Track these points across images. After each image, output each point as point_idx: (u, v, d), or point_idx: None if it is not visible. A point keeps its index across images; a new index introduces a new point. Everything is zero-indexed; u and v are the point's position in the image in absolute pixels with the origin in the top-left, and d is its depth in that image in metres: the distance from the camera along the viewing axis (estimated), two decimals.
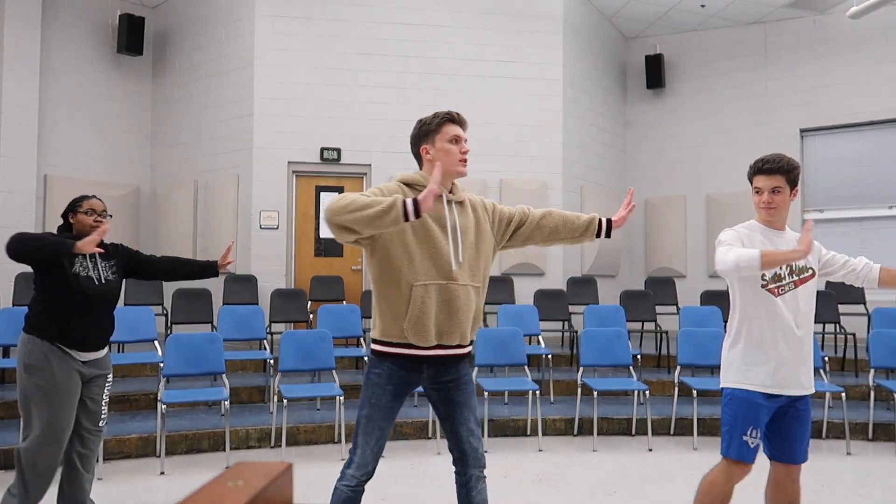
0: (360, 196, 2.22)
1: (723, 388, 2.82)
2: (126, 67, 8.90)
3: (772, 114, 9.32)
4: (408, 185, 2.49)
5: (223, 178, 8.14)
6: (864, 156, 8.92)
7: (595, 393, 5.35)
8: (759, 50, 9.43)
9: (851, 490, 4.33)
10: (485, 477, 2.53)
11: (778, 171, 2.71)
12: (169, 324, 6.84)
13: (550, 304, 7.45)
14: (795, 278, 2.72)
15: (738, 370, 2.76)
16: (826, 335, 7.15)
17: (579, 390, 5.57)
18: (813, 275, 2.77)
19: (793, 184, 2.74)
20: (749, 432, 2.70)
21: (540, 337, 6.76)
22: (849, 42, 8.87)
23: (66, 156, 8.31)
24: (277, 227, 7.93)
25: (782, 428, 2.77)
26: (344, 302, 7.57)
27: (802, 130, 9.17)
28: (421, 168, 2.58)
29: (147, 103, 9.10)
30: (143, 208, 8.93)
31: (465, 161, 2.52)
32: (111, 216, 3.40)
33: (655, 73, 9.82)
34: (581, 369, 5.69)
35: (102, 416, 3.38)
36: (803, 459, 2.80)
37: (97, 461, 3.55)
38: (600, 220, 2.69)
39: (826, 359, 5.92)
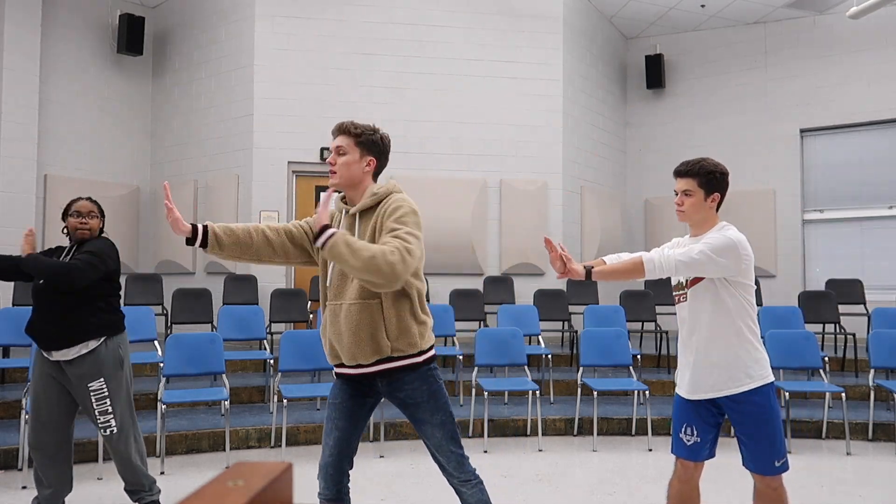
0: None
1: None
2: (126, 67, 8.90)
3: (772, 114, 9.32)
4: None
5: (223, 178, 8.14)
6: (864, 156, 8.92)
7: (595, 393, 5.35)
8: (759, 50, 9.43)
9: (851, 490, 4.33)
10: (472, 481, 2.45)
11: (687, 173, 2.61)
12: (169, 324, 6.84)
13: (550, 303, 7.45)
14: (685, 282, 2.67)
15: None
16: (826, 335, 7.15)
17: (579, 390, 5.57)
18: (700, 277, 2.61)
19: (708, 188, 2.61)
20: (684, 429, 2.70)
21: (540, 337, 6.76)
22: (849, 42, 8.87)
23: (66, 156, 8.31)
24: None
25: (738, 431, 2.65)
26: None
27: (802, 130, 9.18)
28: None
29: (147, 103, 9.10)
30: (143, 208, 8.93)
31: (332, 173, 2.41)
32: (97, 216, 3.31)
33: (655, 73, 9.82)
34: (581, 369, 5.70)
35: (100, 423, 3.28)
36: (764, 470, 2.57)
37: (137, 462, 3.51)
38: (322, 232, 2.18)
39: (826, 359, 5.92)
